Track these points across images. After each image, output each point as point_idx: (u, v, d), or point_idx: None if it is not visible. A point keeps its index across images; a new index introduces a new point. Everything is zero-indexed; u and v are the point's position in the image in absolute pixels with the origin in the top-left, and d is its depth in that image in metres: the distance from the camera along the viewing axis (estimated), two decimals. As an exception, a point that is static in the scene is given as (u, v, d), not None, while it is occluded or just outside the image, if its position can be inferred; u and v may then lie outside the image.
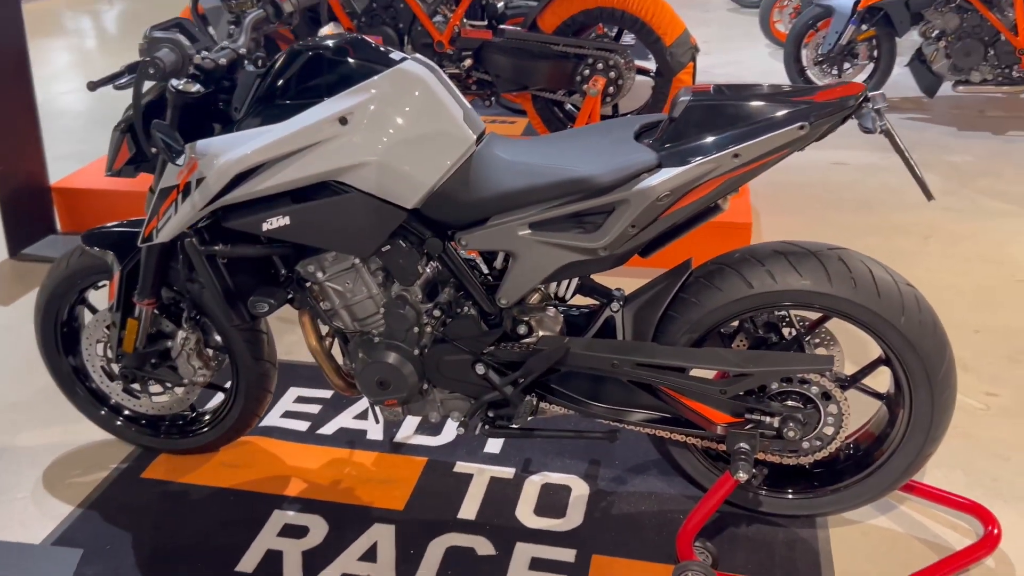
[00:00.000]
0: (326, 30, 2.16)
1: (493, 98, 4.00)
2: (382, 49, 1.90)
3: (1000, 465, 2.36)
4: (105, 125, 5.64)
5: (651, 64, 3.98)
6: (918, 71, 5.20)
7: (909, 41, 5.62)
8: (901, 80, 5.77)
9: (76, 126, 5.65)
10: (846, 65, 5.41)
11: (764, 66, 6.54)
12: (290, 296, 2.06)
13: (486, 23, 3.99)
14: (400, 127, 1.81)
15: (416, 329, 2.01)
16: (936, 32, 5.03)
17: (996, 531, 2.05)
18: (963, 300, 3.22)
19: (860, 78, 5.51)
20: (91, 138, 5.39)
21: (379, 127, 1.81)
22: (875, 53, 5.32)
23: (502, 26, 3.91)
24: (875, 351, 1.99)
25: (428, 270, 1.99)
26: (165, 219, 1.93)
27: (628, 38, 4.41)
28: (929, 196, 1.77)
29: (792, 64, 5.54)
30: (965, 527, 2.12)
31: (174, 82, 1.82)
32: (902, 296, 1.84)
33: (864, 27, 5.21)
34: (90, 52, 7.99)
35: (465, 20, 3.94)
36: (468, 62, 3.85)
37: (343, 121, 1.80)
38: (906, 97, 5.65)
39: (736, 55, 6.90)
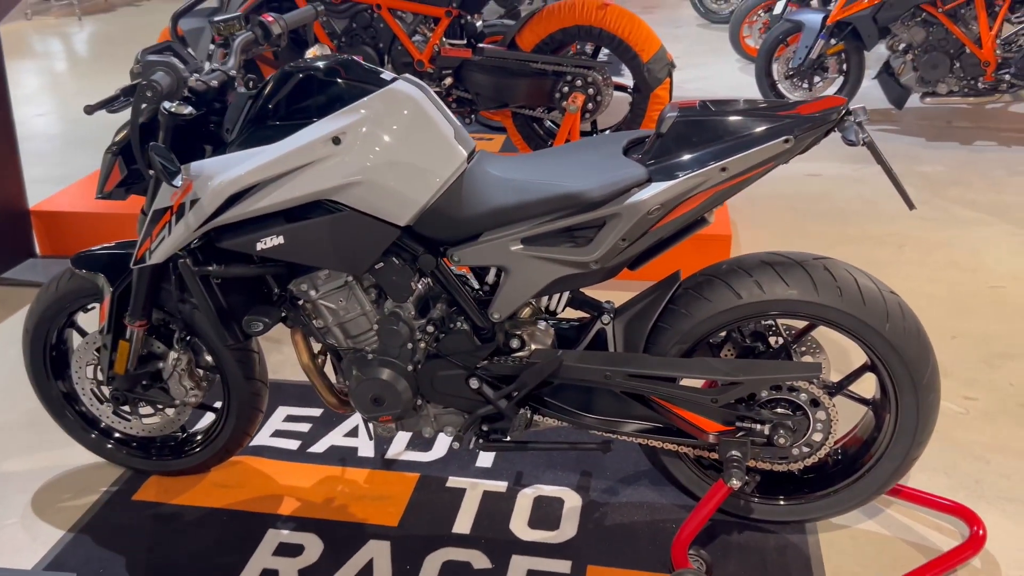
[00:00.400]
0: (312, 52, 2.18)
1: (472, 115, 4.03)
2: (373, 69, 1.92)
3: (981, 467, 2.41)
4: (79, 148, 5.61)
5: (628, 80, 4.04)
6: (886, 83, 5.32)
7: (877, 54, 5.74)
8: (870, 92, 5.89)
9: (49, 149, 5.61)
10: (816, 79, 5.52)
11: (735, 80, 6.64)
12: (283, 315, 2.07)
13: (465, 42, 4.04)
14: (392, 146, 1.84)
15: (409, 345, 2.03)
16: (903, 46, 5.15)
17: (981, 532, 2.09)
18: (939, 307, 3.29)
19: (830, 91, 5.62)
20: (66, 161, 5.35)
21: (372, 146, 1.83)
22: (844, 67, 5.43)
23: (481, 45, 3.96)
24: (859, 358, 2.04)
25: (421, 286, 2.02)
26: (159, 240, 1.93)
27: (603, 55, 4.47)
28: (911, 206, 1.82)
29: (764, 78, 5.63)
30: (951, 529, 2.17)
31: (166, 104, 1.83)
32: (886, 303, 1.89)
33: (833, 41, 5.32)
34: (61, 74, 7.93)
35: (445, 39, 3.98)
36: (448, 80, 3.89)
37: (336, 141, 1.82)
38: (875, 109, 5.76)
39: (707, 70, 7.00)
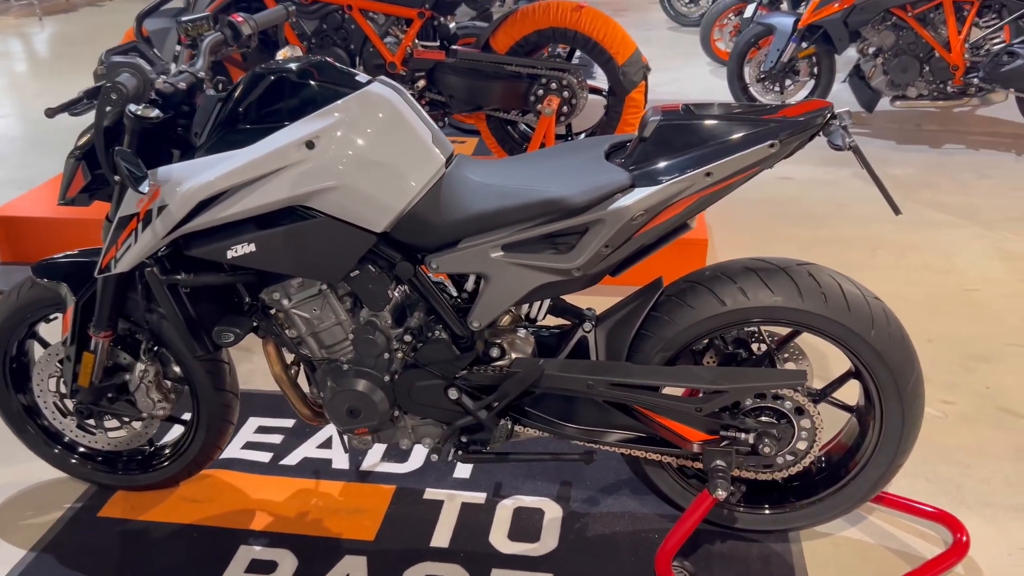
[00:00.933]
0: (283, 53, 2.12)
1: (446, 118, 3.98)
2: (348, 71, 1.87)
3: (962, 472, 2.40)
4: (41, 151, 5.46)
5: (603, 83, 4.01)
6: (857, 87, 5.34)
7: (847, 58, 5.77)
8: (840, 96, 5.92)
9: (10, 152, 5.47)
10: (788, 82, 5.53)
11: (706, 83, 6.65)
12: (255, 324, 2.01)
13: (439, 44, 3.98)
14: (368, 150, 1.78)
15: (386, 355, 1.97)
16: (873, 49, 5.18)
17: (965, 539, 2.08)
18: (915, 311, 3.29)
19: (802, 94, 5.64)
20: (28, 164, 5.21)
21: (346, 150, 1.77)
22: (816, 70, 5.45)
23: (454, 47, 3.90)
24: (841, 364, 2.02)
25: (398, 294, 1.96)
26: (124, 248, 1.86)
27: (578, 58, 4.44)
28: (896, 211, 1.80)
29: (735, 81, 5.64)
30: (934, 536, 2.15)
31: (132, 107, 1.76)
32: (871, 309, 1.87)
33: (804, 45, 5.34)
34: (21, 75, 7.75)
35: (417, 41, 3.92)
36: (421, 83, 3.83)
37: (310, 145, 1.76)
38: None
39: (678, 73, 7.01)
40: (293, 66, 1.84)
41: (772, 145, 1.72)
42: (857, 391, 2.07)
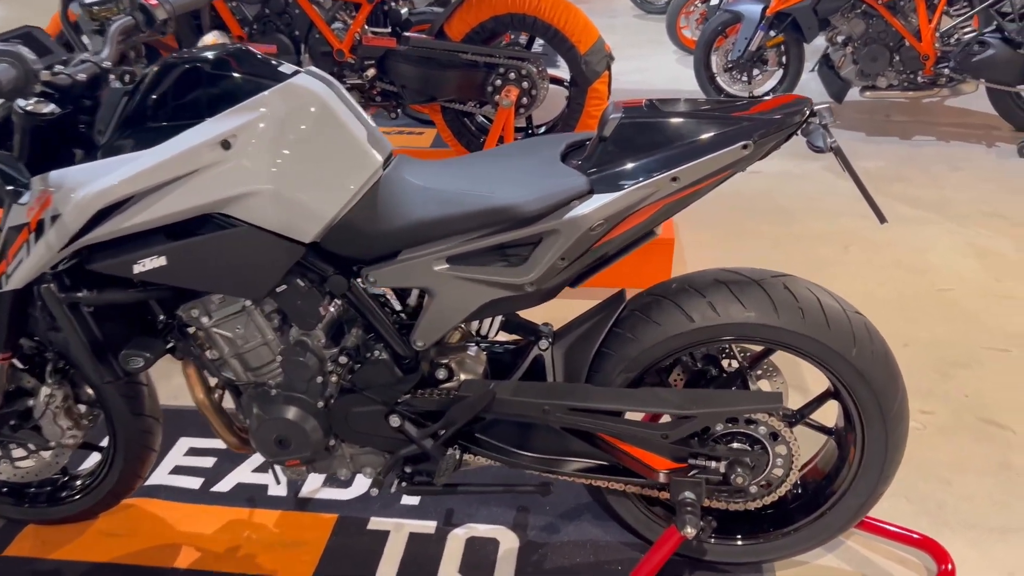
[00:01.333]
0: (209, 39, 1.90)
1: (399, 110, 3.76)
2: (271, 61, 1.66)
3: (943, 489, 2.26)
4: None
5: (564, 73, 3.81)
6: (826, 77, 5.20)
7: (816, 47, 5.63)
8: (808, 86, 5.78)
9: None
10: (756, 71, 5.38)
11: (673, 73, 6.49)
12: (170, 345, 1.79)
13: (389, 30, 3.75)
14: (293, 150, 1.58)
15: (319, 378, 1.77)
16: (843, 38, 5.04)
17: (950, 567, 1.94)
18: (889, 312, 3.15)
19: (770, 84, 5.49)
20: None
21: (269, 151, 1.57)
22: (784, 59, 5.31)
23: (407, 34, 3.68)
24: (819, 381, 1.85)
25: (332, 311, 1.76)
26: (16, 263, 1.64)
27: (537, 46, 4.24)
28: (882, 219, 1.64)
29: (702, 70, 5.48)
30: (916, 563, 2.01)
31: (21, 102, 1.54)
32: (852, 326, 1.70)
33: (773, 33, 5.19)
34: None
35: (367, 27, 3.69)
36: (371, 72, 3.60)
37: (226, 144, 1.55)
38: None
39: (644, 62, 6.84)
40: (208, 55, 1.62)
41: (745, 146, 1.54)
42: (836, 411, 1.91)
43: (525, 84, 3.58)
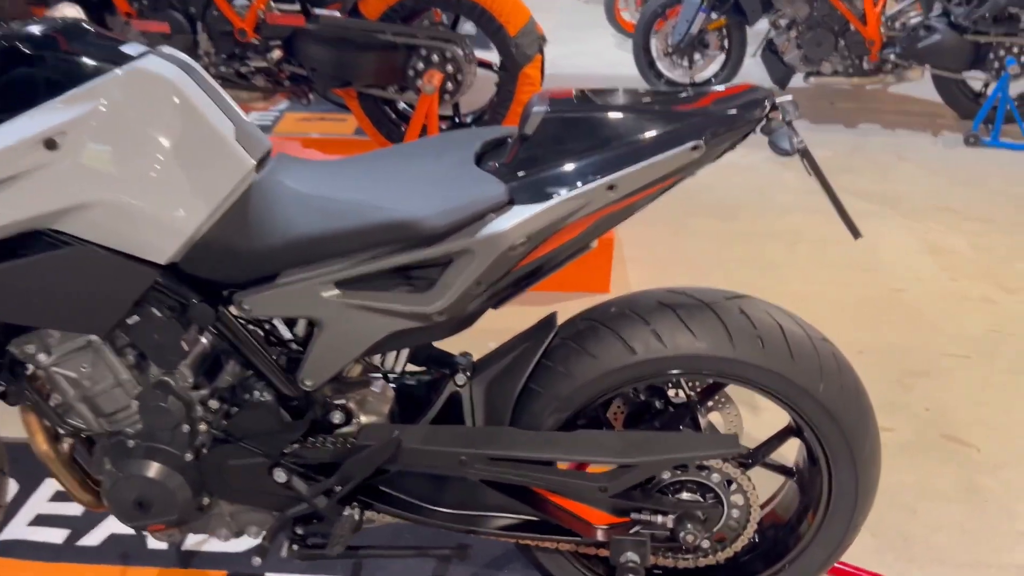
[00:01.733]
0: (59, 9, 1.57)
1: (310, 96, 3.41)
2: (112, 39, 1.34)
3: (908, 519, 2.05)
4: None
5: (494, 56, 3.51)
6: (769, 62, 5.00)
7: (758, 31, 5.42)
8: (751, 71, 5.58)
9: None
10: (697, 56, 5.17)
11: (611, 57, 6.25)
12: (1, 390, 1.46)
13: (298, 7, 3.38)
14: (140, 151, 1.27)
15: (186, 426, 1.46)
16: (786, 21, 4.84)
17: (923, 619, 1.72)
18: (843, 316, 2.95)
19: (712, 69, 5.28)
20: None
21: (107, 152, 1.25)
22: (726, 43, 5.09)
23: (317, 11, 3.32)
24: (775, 408, 1.59)
25: (202, 344, 1.45)
26: None
27: (467, 27, 3.94)
28: (856, 234, 1.39)
29: (642, 55, 5.24)
30: (885, 612, 1.79)
31: None
32: (819, 357, 1.46)
33: (715, 16, 4.97)
34: None
35: (272, 3, 3.32)
36: (277, 53, 3.25)
37: (51, 144, 1.23)
38: (756, 89, 5.48)
39: (582, 45, 6.58)
40: (32, 30, 1.29)
41: (695, 147, 1.27)
42: (796, 449, 1.67)
43: (450, 68, 3.27)
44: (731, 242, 3.48)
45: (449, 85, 3.31)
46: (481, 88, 3.96)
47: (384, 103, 3.54)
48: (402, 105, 3.61)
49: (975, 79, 4.73)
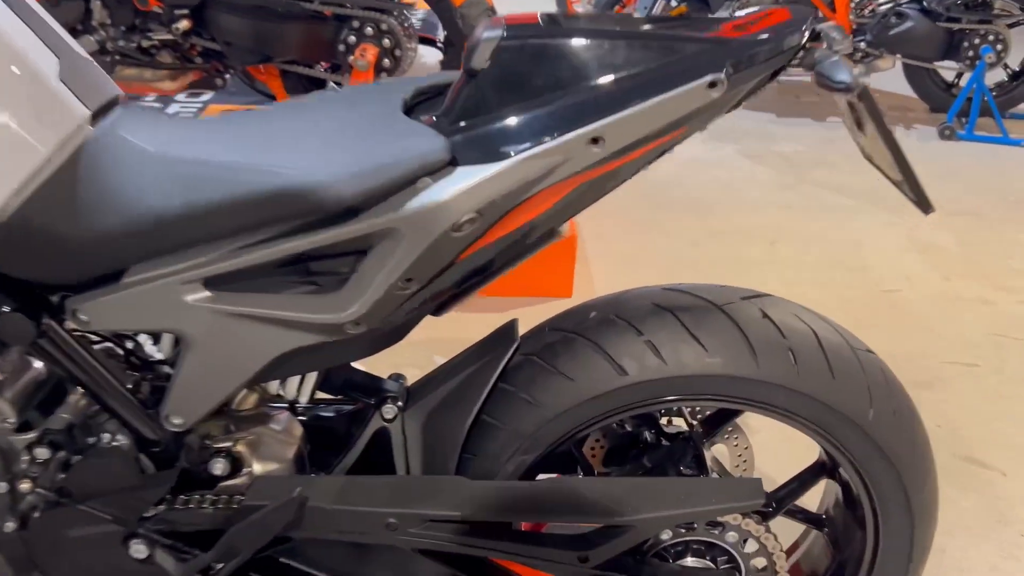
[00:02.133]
0: None
1: (226, 74, 3.01)
2: None
3: (937, 560, 1.73)
4: None
5: (438, 31, 3.15)
6: (732, 52, 4.73)
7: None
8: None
9: None
10: (656, 45, 4.87)
11: (564, 49, 5.93)
12: None
13: (207, -29, 3.00)
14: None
15: (3, 484, 1.05)
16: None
17: None
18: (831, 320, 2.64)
19: (671, 60, 4.99)
20: None
21: None
22: (687, 32, 4.81)
23: (230, -24, 2.93)
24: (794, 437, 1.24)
25: (30, 370, 1.04)
26: None
27: None
28: (927, 208, 1.04)
29: (597, 44, 4.93)
30: None
31: None
32: (866, 374, 1.10)
33: (674, 3, 4.68)
34: None
35: (179, -32, 2.93)
36: (185, 24, 2.84)
37: None
38: (717, 82, 5.24)
39: (533, 38, 6.26)
40: None
41: (714, 84, 0.90)
42: (823, 488, 1.31)
43: (386, 42, 2.90)
44: (704, 241, 3.17)
45: (386, 61, 2.95)
46: (422, 67, 3.59)
47: (311, 82, 3.15)
48: (332, 85, 3.22)
49: (947, 69, 4.51)
